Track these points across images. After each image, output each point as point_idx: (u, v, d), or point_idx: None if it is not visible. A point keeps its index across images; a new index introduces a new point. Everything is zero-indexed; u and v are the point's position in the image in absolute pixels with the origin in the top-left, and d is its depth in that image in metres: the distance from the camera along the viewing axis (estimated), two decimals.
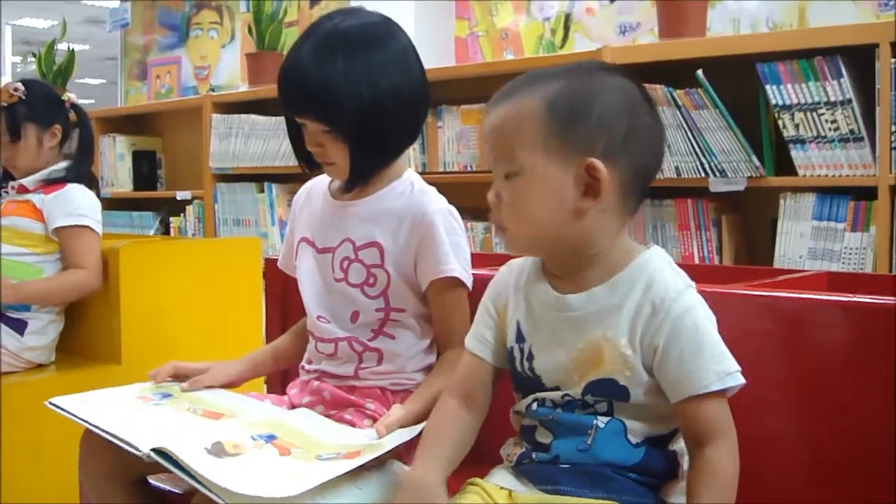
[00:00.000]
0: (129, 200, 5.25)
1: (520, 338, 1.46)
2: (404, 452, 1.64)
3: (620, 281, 1.36)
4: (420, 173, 1.99)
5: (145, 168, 5.23)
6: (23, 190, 3.00)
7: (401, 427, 1.64)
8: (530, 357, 1.43)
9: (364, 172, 1.80)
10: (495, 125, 1.36)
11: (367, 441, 1.59)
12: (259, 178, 4.50)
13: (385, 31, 1.79)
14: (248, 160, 4.48)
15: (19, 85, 3.00)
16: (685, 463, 1.41)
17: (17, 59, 10.18)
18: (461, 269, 1.77)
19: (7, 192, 3.04)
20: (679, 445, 1.41)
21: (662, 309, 1.32)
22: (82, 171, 3.06)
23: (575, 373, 1.38)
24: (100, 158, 5.26)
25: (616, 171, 1.32)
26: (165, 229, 5.11)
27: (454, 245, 1.78)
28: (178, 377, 1.89)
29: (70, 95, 3.15)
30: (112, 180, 5.24)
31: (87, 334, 3.10)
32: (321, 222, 1.89)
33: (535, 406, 1.43)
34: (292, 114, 1.80)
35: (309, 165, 1.88)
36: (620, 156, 1.32)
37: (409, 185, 1.83)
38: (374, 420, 1.72)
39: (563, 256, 1.40)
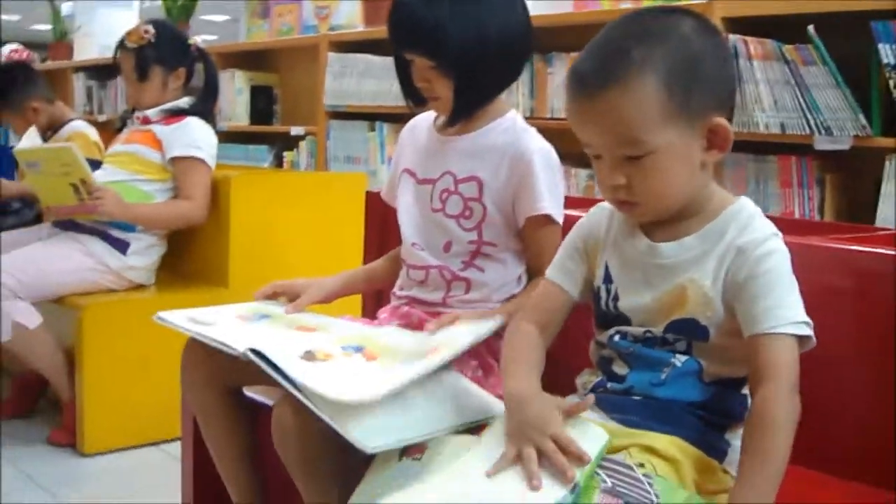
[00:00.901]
0: (245, 134, 5.40)
1: (608, 279, 1.51)
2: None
3: (712, 230, 1.42)
4: (527, 118, 2.05)
5: (262, 103, 5.35)
6: (146, 121, 3.15)
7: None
8: (616, 297, 1.49)
9: (467, 107, 1.87)
10: (611, 112, 1.35)
11: (445, 340, 1.67)
12: (371, 117, 4.58)
13: None
14: (361, 99, 4.57)
15: (150, 27, 3.14)
16: None
17: None
18: (555, 207, 1.84)
19: (132, 122, 3.20)
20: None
21: (748, 249, 1.37)
22: (201, 108, 3.20)
23: (659, 313, 1.44)
24: (218, 92, 5.41)
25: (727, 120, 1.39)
26: (278, 163, 5.24)
27: (550, 184, 1.84)
28: (278, 295, 1.98)
29: (196, 40, 3.28)
30: (229, 114, 5.39)
31: (195, 258, 3.26)
32: (424, 155, 1.97)
33: (616, 338, 1.49)
34: (401, 50, 1.87)
35: (415, 102, 1.96)
36: (727, 104, 1.41)
37: (511, 123, 1.90)
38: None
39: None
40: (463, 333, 1.68)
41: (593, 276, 1.55)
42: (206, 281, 3.21)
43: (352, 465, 1.48)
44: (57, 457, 2.97)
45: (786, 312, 1.33)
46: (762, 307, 1.34)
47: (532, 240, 1.88)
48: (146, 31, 3.13)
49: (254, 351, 1.53)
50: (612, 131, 1.35)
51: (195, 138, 3.10)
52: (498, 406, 1.58)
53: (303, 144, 5.04)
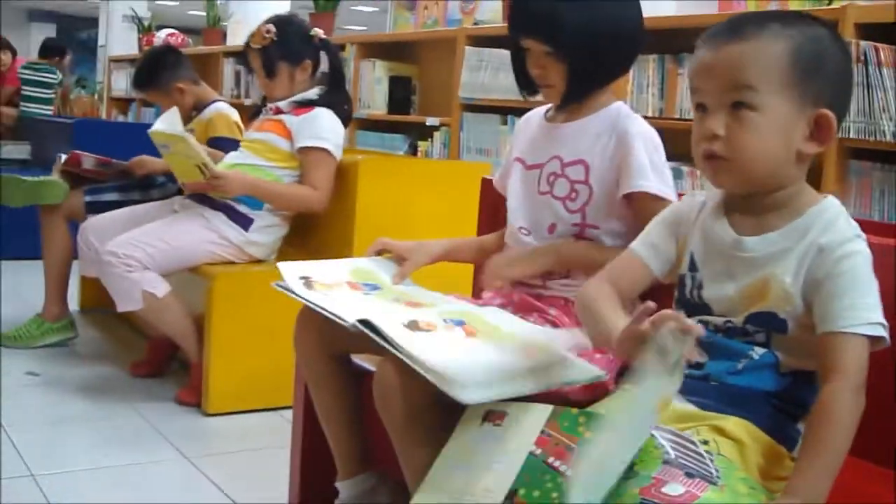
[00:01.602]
0: (383, 122, 5.55)
1: (693, 267, 1.57)
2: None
3: (796, 227, 1.46)
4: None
5: (400, 93, 5.49)
6: (277, 111, 3.32)
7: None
8: (700, 286, 1.55)
9: (579, 93, 1.97)
10: (732, 58, 1.42)
11: (544, 341, 1.75)
12: (503, 111, 4.66)
13: None
14: (494, 92, 4.65)
15: (272, 27, 3.30)
16: None
17: None
18: (658, 185, 1.90)
19: (265, 111, 3.37)
20: None
21: (828, 248, 1.41)
22: (332, 98, 3.33)
23: (740, 304, 1.49)
24: (359, 82, 5.58)
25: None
26: (413, 152, 5.37)
27: (653, 163, 1.91)
28: (386, 251, 2.14)
29: (318, 31, 3.42)
30: (369, 102, 5.55)
31: (320, 238, 3.41)
32: (533, 143, 2.07)
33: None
34: (518, 36, 1.98)
35: (528, 91, 2.05)
36: (840, 111, 1.46)
37: (616, 111, 1.99)
38: (555, 325, 1.90)
39: (761, 195, 1.49)
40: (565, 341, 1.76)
41: (680, 261, 1.60)
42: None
43: (448, 427, 1.56)
44: (183, 414, 3.16)
45: (860, 313, 1.37)
46: (837, 306, 1.38)
47: (632, 217, 1.93)
48: (268, 31, 3.29)
49: (362, 321, 1.65)
50: (729, 74, 1.42)
51: (322, 129, 3.24)
52: (592, 371, 1.67)
53: (437, 135, 5.15)
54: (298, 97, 3.32)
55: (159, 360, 3.54)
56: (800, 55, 1.41)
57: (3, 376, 3.42)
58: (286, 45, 3.31)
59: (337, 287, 1.96)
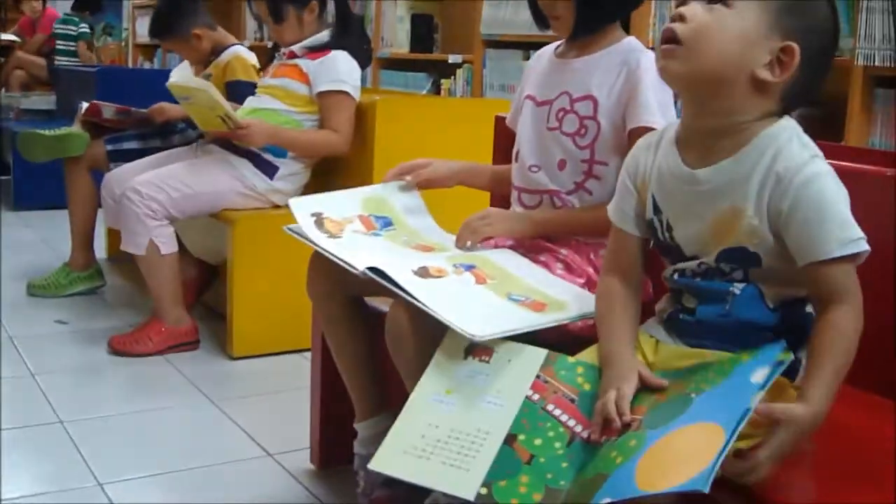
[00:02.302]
0: (405, 61, 5.50)
1: (656, 210, 1.55)
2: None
3: (747, 153, 1.42)
4: None
5: (422, 31, 5.43)
6: (292, 55, 3.30)
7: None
8: (669, 228, 1.53)
9: (586, 26, 1.93)
10: None
11: (554, 296, 1.74)
12: (526, 46, 4.60)
13: None
14: (516, 28, 4.60)
15: None
16: None
17: None
18: (663, 122, 1.84)
19: (279, 56, 3.35)
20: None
21: (786, 177, 1.38)
22: (342, 39, 3.30)
23: (710, 242, 1.47)
24: (381, 20, 5.53)
25: (801, 68, 1.39)
26: (436, 91, 5.33)
27: (659, 101, 1.87)
28: (405, 175, 2.13)
29: None
30: (391, 41, 5.51)
31: (340, 180, 3.38)
32: (544, 79, 2.04)
33: (676, 276, 1.54)
34: None
35: (541, 23, 2.02)
36: (813, 59, 1.41)
37: (626, 46, 1.95)
38: (566, 264, 1.89)
39: (709, 115, 1.44)
40: (575, 303, 1.73)
41: (644, 209, 1.58)
42: None
43: None
44: (209, 360, 3.19)
45: (838, 234, 1.35)
46: (814, 235, 1.36)
47: None
48: None
49: (371, 269, 1.66)
50: None
51: (339, 72, 3.22)
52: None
53: (460, 72, 5.11)
54: (311, 41, 3.30)
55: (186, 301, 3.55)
56: None
57: (32, 325, 3.47)
58: None
59: (348, 223, 1.96)
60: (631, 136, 1.87)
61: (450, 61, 5.11)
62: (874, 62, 2.97)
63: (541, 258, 1.91)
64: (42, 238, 4.89)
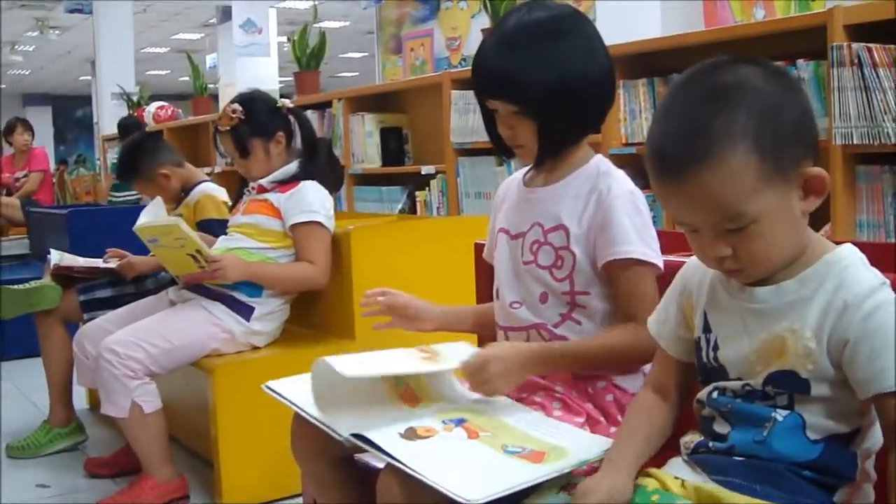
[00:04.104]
0: (378, 175, 5.46)
1: (706, 328, 1.48)
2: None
3: (811, 275, 1.36)
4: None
5: (393, 144, 5.39)
6: (261, 190, 3.23)
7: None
8: (715, 347, 1.45)
9: (551, 150, 1.87)
10: (701, 193, 1.31)
11: (552, 442, 1.64)
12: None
13: (571, 23, 1.85)
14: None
15: (237, 107, 3.22)
16: (869, 466, 1.38)
17: (283, 39, 10.75)
18: (642, 249, 1.78)
19: (248, 192, 3.28)
20: (862, 447, 1.38)
21: (854, 304, 1.31)
22: (311, 168, 3.25)
23: (757, 363, 1.39)
24: (350, 136, 5.50)
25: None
26: (412, 203, 5.28)
27: (636, 226, 1.80)
28: (387, 306, 2.08)
29: (285, 101, 3.34)
30: (362, 156, 5.47)
31: (321, 312, 3.32)
32: (515, 210, 1.97)
33: (715, 395, 1.46)
34: (484, 97, 1.89)
35: (505, 153, 1.96)
36: (812, 144, 1.37)
37: (594, 170, 1.88)
38: (563, 403, 1.80)
39: None
40: (576, 447, 1.64)
41: (691, 327, 1.52)
42: (334, 334, 3.26)
43: None
44: None
45: None
46: (881, 366, 1.29)
47: (617, 285, 1.82)
48: (233, 112, 3.20)
49: (355, 435, 1.57)
50: (710, 210, 1.32)
51: (309, 202, 3.14)
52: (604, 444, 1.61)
53: (434, 182, 5.06)
54: (279, 174, 3.23)
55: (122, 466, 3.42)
56: (761, 143, 1.30)
57: (11, 491, 3.33)
58: (255, 120, 3.22)
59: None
60: (606, 269, 1.80)
61: (423, 172, 5.07)
62: (852, 140, 2.92)
63: (536, 399, 1.82)
64: (22, 390, 4.76)
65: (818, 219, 2.92)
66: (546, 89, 1.78)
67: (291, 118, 3.33)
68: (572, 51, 1.82)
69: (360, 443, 1.57)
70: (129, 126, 8.05)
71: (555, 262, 1.85)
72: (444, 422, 1.67)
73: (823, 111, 3.03)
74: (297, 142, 3.34)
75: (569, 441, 1.64)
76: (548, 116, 1.81)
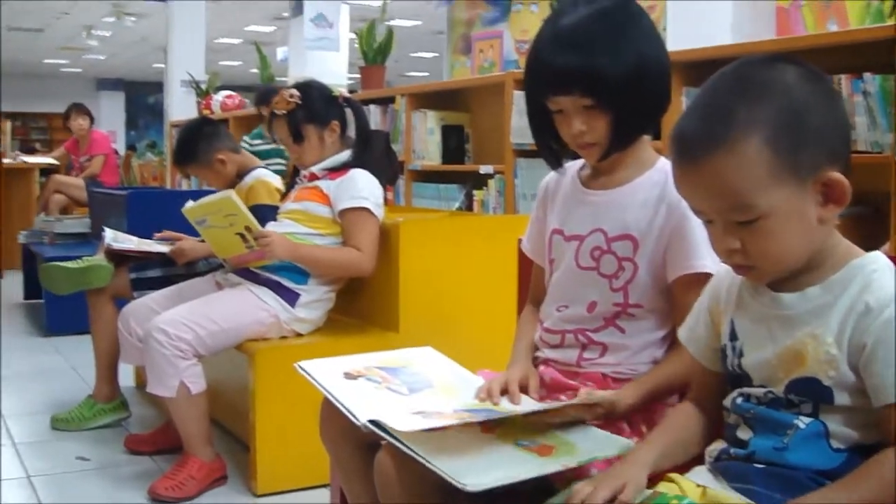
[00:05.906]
0: (437, 173, 5.44)
1: (733, 336, 1.46)
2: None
3: (836, 281, 1.35)
4: None
5: (453, 142, 5.37)
6: (312, 177, 3.23)
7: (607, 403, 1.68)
8: (741, 354, 1.44)
9: (624, 142, 1.79)
10: (713, 179, 1.31)
11: (565, 438, 1.62)
12: None
13: (633, 8, 1.80)
14: None
15: (295, 91, 3.22)
16: None
17: (354, 35, 10.74)
18: (713, 264, 1.70)
19: (300, 181, 3.28)
20: None
21: (876, 309, 1.29)
22: (364, 157, 3.24)
23: (779, 369, 1.38)
24: (412, 133, 5.50)
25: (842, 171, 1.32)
26: (469, 202, 5.26)
27: (706, 239, 1.73)
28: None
29: (341, 91, 3.33)
30: (422, 153, 5.45)
31: (366, 302, 3.32)
32: (569, 210, 1.91)
33: (739, 400, 1.44)
34: (551, 96, 1.77)
35: (556, 162, 1.90)
36: (841, 153, 1.33)
37: (663, 175, 1.80)
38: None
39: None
40: (588, 444, 1.61)
41: (719, 339, 1.50)
42: (377, 325, 3.25)
43: None
44: (235, 497, 3.06)
45: None
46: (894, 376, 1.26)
47: (683, 300, 1.73)
48: (291, 96, 3.20)
49: (373, 422, 1.57)
50: (720, 197, 1.31)
51: (359, 189, 3.13)
52: (618, 442, 1.61)
53: (492, 182, 5.03)
54: (331, 161, 3.23)
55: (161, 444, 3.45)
56: (779, 138, 1.28)
57: (52, 461, 3.37)
58: (311, 107, 3.23)
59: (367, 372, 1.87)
60: (677, 284, 1.75)
61: (481, 172, 5.04)
62: None
63: (561, 398, 1.78)
64: (72, 364, 4.82)
65: (879, 235, 2.86)
66: (624, 76, 1.70)
67: (347, 109, 3.32)
68: (641, 36, 1.76)
69: (376, 429, 1.56)
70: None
71: (615, 272, 1.81)
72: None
73: (888, 126, 2.95)
74: (352, 133, 3.33)
75: (583, 438, 1.63)
76: (625, 105, 1.73)
